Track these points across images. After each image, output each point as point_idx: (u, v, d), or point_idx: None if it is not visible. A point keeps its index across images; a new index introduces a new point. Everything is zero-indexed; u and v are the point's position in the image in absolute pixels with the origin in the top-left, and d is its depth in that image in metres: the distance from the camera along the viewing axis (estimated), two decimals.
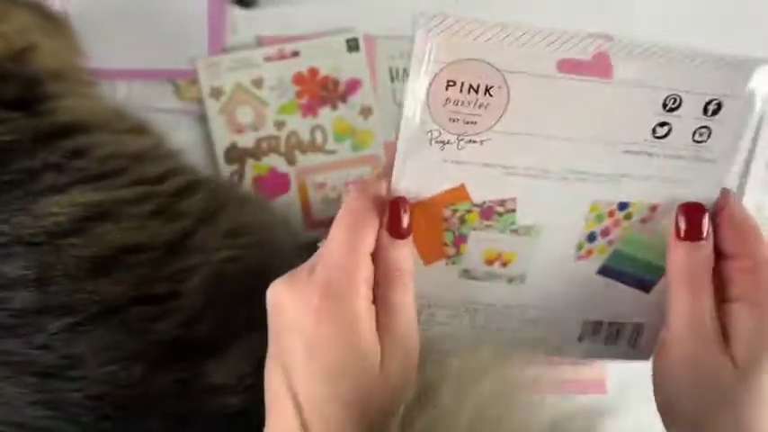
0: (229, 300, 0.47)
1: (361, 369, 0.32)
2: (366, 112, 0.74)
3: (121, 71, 0.72)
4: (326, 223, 0.73)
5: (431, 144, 0.34)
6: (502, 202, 0.37)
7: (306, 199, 0.75)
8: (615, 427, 0.50)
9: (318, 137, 0.74)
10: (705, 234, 0.34)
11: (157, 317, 0.44)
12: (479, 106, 0.34)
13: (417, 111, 0.34)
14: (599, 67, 0.33)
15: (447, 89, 0.33)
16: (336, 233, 0.33)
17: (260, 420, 0.38)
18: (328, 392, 0.32)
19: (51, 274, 0.43)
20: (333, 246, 0.33)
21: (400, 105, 0.36)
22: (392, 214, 0.34)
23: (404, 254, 0.34)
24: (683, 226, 0.35)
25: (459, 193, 0.36)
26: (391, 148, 0.36)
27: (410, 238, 0.35)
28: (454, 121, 0.34)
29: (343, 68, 0.74)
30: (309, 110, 0.74)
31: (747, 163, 0.73)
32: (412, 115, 0.34)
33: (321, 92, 0.74)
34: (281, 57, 0.74)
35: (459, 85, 0.33)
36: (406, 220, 0.34)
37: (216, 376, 0.45)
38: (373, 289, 0.34)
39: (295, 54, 0.74)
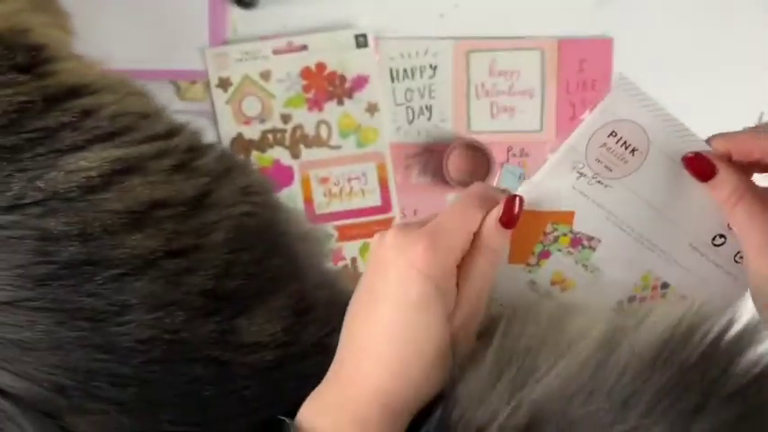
0: (251, 253, 0.50)
1: (441, 309, 0.39)
2: (372, 108, 0.75)
3: (123, 72, 0.72)
4: (327, 218, 0.75)
5: (572, 171, 0.42)
6: (590, 239, 0.44)
7: (308, 193, 0.75)
8: None
9: (324, 131, 0.75)
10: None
11: (188, 270, 0.46)
12: (621, 159, 0.42)
13: (580, 143, 0.42)
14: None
15: (608, 136, 0.42)
16: (456, 207, 0.41)
17: (293, 373, 0.43)
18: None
19: (91, 229, 0.44)
20: (449, 214, 0.40)
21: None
22: (508, 205, 0.41)
23: (502, 241, 0.41)
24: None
25: (567, 216, 0.44)
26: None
27: (510, 231, 0.42)
28: (599, 162, 0.42)
29: (351, 64, 0.74)
30: (316, 104, 0.75)
31: None
32: (574, 144, 0.41)
33: (328, 87, 0.74)
34: (290, 50, 0.74)
35: (617, 137, 0.42)
36: (516, 213, 0.41)
37: (247, 334, 0.47)
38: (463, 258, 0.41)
39: (303, 48, 0.74)
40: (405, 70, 0.75)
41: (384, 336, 0.39)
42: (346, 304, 0.42)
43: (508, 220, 0.41)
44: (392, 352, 0.38)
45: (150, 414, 0.44)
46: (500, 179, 0.76)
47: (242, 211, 0.51)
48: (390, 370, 0.38)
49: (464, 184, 0.74)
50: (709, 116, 0.73)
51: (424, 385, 0.39)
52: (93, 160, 0.46)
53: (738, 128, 0.75)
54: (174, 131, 0.53)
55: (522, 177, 0.75)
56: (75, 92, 0.50)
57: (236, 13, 0.75)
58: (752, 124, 0.74)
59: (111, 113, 0.50)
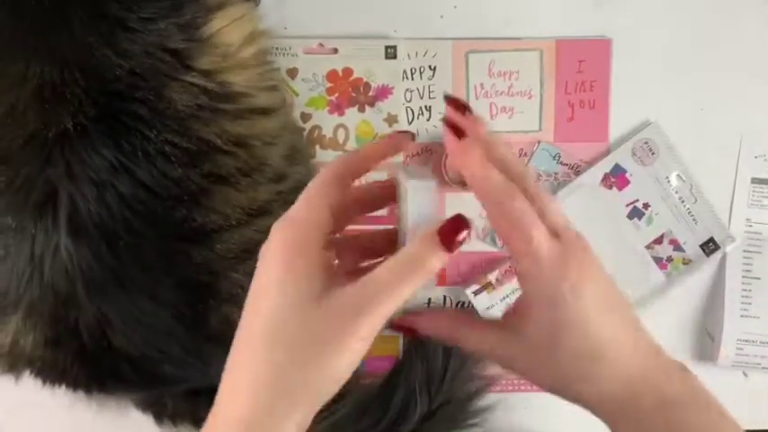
0: None
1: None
2: (391, 120, 0.76)
3: None
4: None
5: None
6: None
7: None
8: None
9: (341, 135, 0.75)
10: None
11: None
12: None
13: None
14: None
15: None
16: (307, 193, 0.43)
17: None
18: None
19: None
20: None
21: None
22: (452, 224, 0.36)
23: (439, 262, 0.37)
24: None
25: None
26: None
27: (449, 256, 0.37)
28: None
29: (378, 74, 0.75)
30: (337, 108, 0.75)
31: (733, 181, 0.77)
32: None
33: (352, 92, 0.75)
34: (320, 51, 0.74)
35: None
36: (459, 242, 0.36)
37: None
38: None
39: (333, 51, 0.74)
40: (404, 71, 0.76)
41: None
42: None
43: (450, 247, 0.35)
44: None
45: None
46: (535, 158, 0.77)
47: None
48: None
49: (462, 183, 0.75)
50: (709, 117, 0.76)
51: None
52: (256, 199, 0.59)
53: (738, 127, 0.77)
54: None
55: (557, 158, 0.76)
56: (230, 95, 0.58)
57: None
58: (752, 124, 0.77)
59: (275, 170, 0.61)
